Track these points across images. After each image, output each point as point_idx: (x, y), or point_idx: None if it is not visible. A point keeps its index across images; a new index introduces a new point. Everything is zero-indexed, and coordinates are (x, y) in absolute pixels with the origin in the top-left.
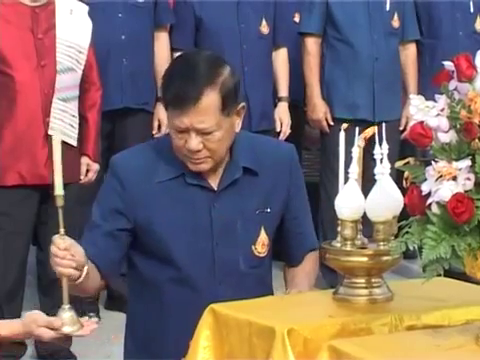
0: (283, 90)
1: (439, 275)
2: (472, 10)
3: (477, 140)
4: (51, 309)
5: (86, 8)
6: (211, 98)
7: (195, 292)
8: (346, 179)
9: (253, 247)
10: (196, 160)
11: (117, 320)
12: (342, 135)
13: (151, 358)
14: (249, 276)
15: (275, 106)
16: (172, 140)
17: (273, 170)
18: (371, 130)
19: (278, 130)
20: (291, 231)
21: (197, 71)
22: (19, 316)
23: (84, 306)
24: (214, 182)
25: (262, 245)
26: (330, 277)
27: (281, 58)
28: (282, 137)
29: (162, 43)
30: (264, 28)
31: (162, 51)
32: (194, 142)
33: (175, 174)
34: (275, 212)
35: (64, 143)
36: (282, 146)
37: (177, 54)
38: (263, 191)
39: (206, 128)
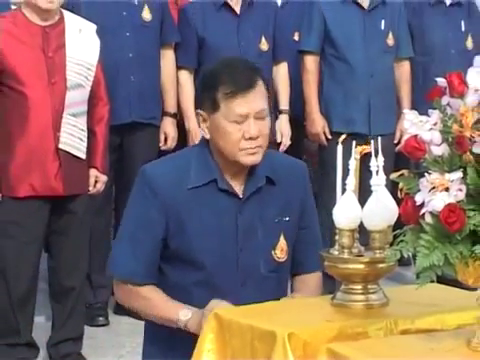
0: (284, 103)
1: (432, 281)
2: (463, 29)
3: (468, 153)
4: (62, 314)
5: (94, 27)
6: (261, 85)
7: (220, 294)
8: (343, 190)
9: (273, 252)
10: (253, 149)
11: (126, 325)
12: (340, 148)
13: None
14: (268, 279)
15: (276, 118)
16: (227, 137)
17: (288, 182)
18: (366, 147)
19: (279, 141)
20: (301, 241)
21: (242, 65)
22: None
23: (94, 311)
24: (239, 189)
25: (281, 250)
26: (328, 284)
27: (282, 72)
28: (282, 148)
29: (168, 60)
30: (263, 45)
31: (168, 68)
32: (254, 127)
33: (207, 180)
34: (293, 221)
35: (73, 156)
36: (296, 162)
37: (181, 72)
38: (280, 201)
39: (263, 110)
